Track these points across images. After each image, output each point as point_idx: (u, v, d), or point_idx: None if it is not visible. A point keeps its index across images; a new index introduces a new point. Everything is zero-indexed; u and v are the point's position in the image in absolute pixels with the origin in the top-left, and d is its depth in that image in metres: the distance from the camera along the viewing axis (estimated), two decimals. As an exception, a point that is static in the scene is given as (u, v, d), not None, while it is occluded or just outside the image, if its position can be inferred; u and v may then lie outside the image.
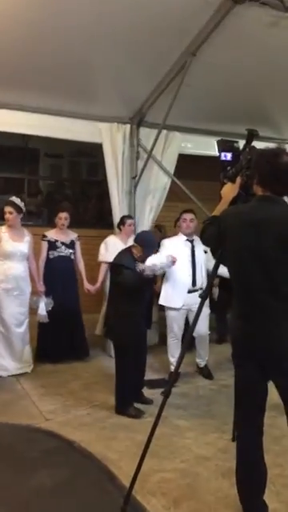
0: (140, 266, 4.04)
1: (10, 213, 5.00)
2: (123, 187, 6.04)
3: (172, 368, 4.94)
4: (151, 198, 6.19)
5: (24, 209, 5.19)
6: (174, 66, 5.09)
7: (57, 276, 5.42)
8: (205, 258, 4.95)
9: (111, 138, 5.97)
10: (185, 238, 5.01)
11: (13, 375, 4.94)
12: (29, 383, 4.80)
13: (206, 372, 5.20)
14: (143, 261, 4.12)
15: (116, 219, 6.02)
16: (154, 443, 3.29)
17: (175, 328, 4.96)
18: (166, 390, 2.86)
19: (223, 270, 5.09)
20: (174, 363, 4.92)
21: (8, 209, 5.01)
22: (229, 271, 2.67)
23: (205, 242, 2.91)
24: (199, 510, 2.82)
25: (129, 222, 5.71)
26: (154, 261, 4.38)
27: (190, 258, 4.93)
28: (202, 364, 5.23)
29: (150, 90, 5.56)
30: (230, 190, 2.85)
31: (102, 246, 5.66)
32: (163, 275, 5.06)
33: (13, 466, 3.26)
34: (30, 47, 4.59)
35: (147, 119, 6.01)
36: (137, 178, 6.07)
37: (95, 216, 8.62)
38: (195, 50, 4.79)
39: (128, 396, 4.18)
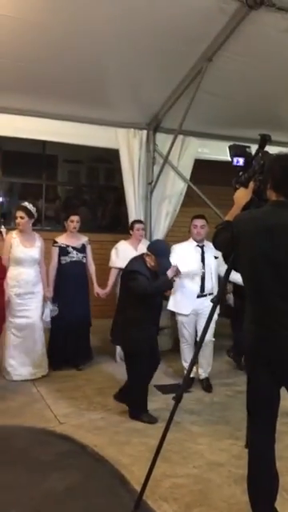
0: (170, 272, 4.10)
1: (22, 217, 4.99)
2: (139, 192, 6.07)
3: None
4: (167, 204, 6.21)
5: (35, 214, 5.15)
6: (190, 71, 5.12)
7: (69, 281, 5.36)
8: (216, 264, 4.90)
9: (128, 144, 6.01)
10: (195, 243, 4.96)
11: (27, 380, 4.95)
12: (44, 387, 4.83)
13: (205, 384, 4.98)
14: (156, 270, 4.07)
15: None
16: (166, 448, 3.30)
17: (186, 334, 4.92)
18: (178, 395, 2.84)
19: (237, 277, 5.09)
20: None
21: (19, 213, 5.00)
22: (242, 276, 2.66)
23: (217, 247, 2.90)
24: (211, 517, 2.80)
25: (137, 226, 5.65)
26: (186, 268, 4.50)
27: (200, 264, 4.87)
28: (203, 375, 5.01)
29: (167, 95, 5.60)
30: (242, 195, 2.84)
31: (113, 252, 5.62)
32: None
33: (27, 468, 3.29)
34: (49, 55, 4.67)
35: (163, 125, 6.04)
36: (153, 183, 6.10)
37: (112, 221, 8.65)
38: (211, 55, 4.81)
39: (142, 402, 4.17)
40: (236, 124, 5.87)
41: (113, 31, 4.44)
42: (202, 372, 5.01)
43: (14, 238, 5.01)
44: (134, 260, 4.22)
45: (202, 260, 4.89)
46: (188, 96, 5.25)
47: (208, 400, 4.70)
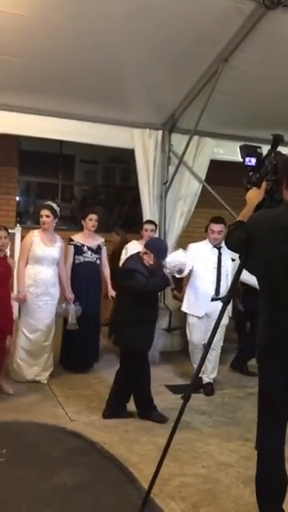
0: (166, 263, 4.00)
1: (47, 216, 4.90)
2: (154, 192, 6.09)
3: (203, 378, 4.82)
4: (182, 204, 6.21)
5: (59, 214, 5.12)
6: (206, 72, 5.13)
7: (82, 282, 5.24)
8: (232, 266, 4.79)
9: (143, 144, 6.04)
10: (211, 245, 4.86)
11: (34, 381, 4.87)
12: (56, 385, 4.86)
13: (208, 389, 4.80)
14: (154, 269, 4.01)
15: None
16: (176, 448, 3.32)
17: (194, 338, 4.82)
18: (186, 394, 2.84)
19: (248, 278, 5.02)
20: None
21: (45, 212, 4.92)
22: (256, 276, 2.65)
23: (230, 247, 2.89)
24: (218, 516, 2.80)
25: (145, 226, 5.55)
26: (176, 257, 4.35)
27: (215, 266, 4.77)
28: (206, 380, 4.83)
29: (182, 96, 5.61)
30: (255, 195, 2.83)
31: (123, 252, 5.53)
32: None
33: (37, 464, 3.32)
34: (66, 56, 4.71)
35: (179, 125, 6.06)
36: (168, 183, 6.11)
37: (127, 221, 8.69)
38: (227, 56, 4.81)
39: (151, 400, 4.15)
40: (252, 125, 5.85)
41: (129, 32, 4.46)
42: (205, 377, 4.85)
43: (35, 236, 4.93)
44: (129, 259, 4.16)
45: (219, 262, 4.79)
46: (204, 96, 5.25)
47: (219, 401, 4.69)
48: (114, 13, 4.21)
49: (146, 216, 6.06)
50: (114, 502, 2.92)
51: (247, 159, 2.87)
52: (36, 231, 5.03)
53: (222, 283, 4.78)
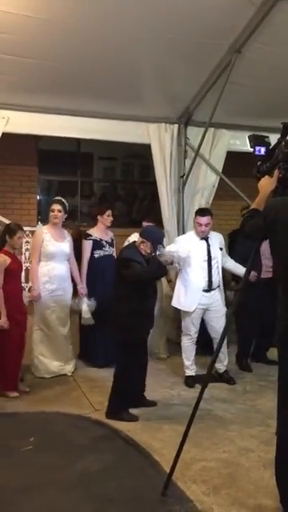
0: (161, 251, 3.87)
1: (59, 211, 4.98)
2: (171, 186, 6.12)
3: (187, 372, 4.80)
4: (200, 197, 6.23)
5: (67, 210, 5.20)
6: (220, 64, 5.14)
7: (104, 275, 5.24)
8: (221, 256, 4.78)
9: (159, 138, 6.07)
10: (199, 237, 4.79)
11: (56, 376, 4.93)
12: (80, 376, 4.99)
13: (226, 377, 4.83)
14: (151, 257, 3.96)
15: (165, 218, 6.12)
16: (197, 435, 3.41)
17: (192, 329, 4.76)
18: (204, 381, 2.92)
19: (237, 269, 5.00)
20: (190, 366, 4.78)
21: (57, 207, 4.99)
22: (277, 262, 2.69)
23: (246, 235, 2.92)
24: (238, 498, 2.87)
25: (144, 224, 5.39)
26: (173, 249, 4.29)
27: (205, 258, 4.70)
28: (222, 369, 4.85)
29: (197, 89, 5.63)
30: (267, 184, 2.87)
31: (125, 244, 5.54)
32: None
33: (63, 451, 3.45)
34: (81, 55, 4.79)
35: (194, 118, 6.08)
36: (185, 176, 6.14)
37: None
38: (240, 47, 4.82)
39: (126, 398, 4.04)
40: (267, 114, 5.82)
41: (141, 27, 4.50)
42: (221, 366, 4.85)
43: (45, 233, 4.98)
44: (126, 248, 4.11)
45: (209, 254, 4.74)
46: (218, 88, 5.26)
47: (241, 389, 4.74)
48: (127, 10, 4.28)
49: (165, 210, 6.11)
50: (137, 485, 3.01)
51: (257, 149, 2.92)
52: (44, 228, 5.10)
53: (213, 275, 4.73)
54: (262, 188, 2.90)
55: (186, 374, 4.83)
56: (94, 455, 3.37)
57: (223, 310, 4.81)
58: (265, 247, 4.96)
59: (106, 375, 4.98)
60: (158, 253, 3.83)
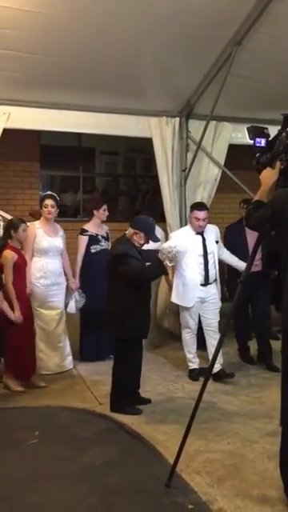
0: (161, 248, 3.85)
1: (52, 206, 4.97)
2: (174, 180, 6.12)
3: (190, 365, 4.80)
4: (202, 190, 6.22)
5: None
6: (220, 56, 5.12)
7: (101, 270, 5.03)
8: (217, 249, 4.78)
9: (161, 132, 6.07)
10: (194, 232, 4.76)
11: (55, 373, 4.91)
12: (83, 370, 5.02)
13: (223, 375, 4.65)
14: (147, 251, 3.97)
15: (167, 212, 6.13)
16: (202, 427, 3.42)
17: (191, 323, 4.75)
18: (207, 372, 2.93)
19: (231, 260, 5.00)
20: (192, 359, 4.79)
21: (50, 202, 4.97)
22: (283, 252, 2.70)
23: (251, 226, 2.93)
24: (242, 489, 2.88)
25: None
26: (171, 244, 4.12)
27: (201, 252, 4.68)
28: (218, 368, 4.60)
29: (198, 81, 5.62)
30: (270, 175, 2.88)
31: None
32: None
33: (68, 444, 3.48)
34: (81, 50, 4.78)
35: (196, 111, 6.06)
36: (187, 170, 6.14)
37: (150, 210, 8.75)
38: (240, 39, 4.81)
39: (127, 394, 4.03)
40: (268, 106, 5.79)
41: (142, 20, 4.49)
42: (217, 364, 4.60)
43: (37, 228, 4.97)
44: (118, 243, 3.98)
45: (204, 248, 4.71)
46: (219, 81, 5.25)
47: (245, 382, 4.75)
48: (128, 4, 4.27)
49: (167, 204, 6.12)
50: (142, 477, 3.03)
51: (257, 140, 2.92)
52: (37, 223, 5.07)
53: (209, 269, 4.71)
54: (264, 180, 2.91)
55: (190, 368, 4.85)
56: (98, 448, 3.39)
57: (218, 303, 4.83)
58: (253, 239, 5.00)
59: (109, 367, 4.91)
60: (159, 252, 3.82)
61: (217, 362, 4.61)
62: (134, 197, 9.24)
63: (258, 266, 5.03)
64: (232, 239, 5.34)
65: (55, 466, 3.17)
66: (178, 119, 6.09)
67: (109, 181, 9.54)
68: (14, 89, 5.37)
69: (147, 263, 3.99)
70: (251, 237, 5.15)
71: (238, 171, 6.21)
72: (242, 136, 6.40)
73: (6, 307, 4.36)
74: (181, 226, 6.11)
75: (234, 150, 6.36)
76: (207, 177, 6.20)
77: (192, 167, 6.12)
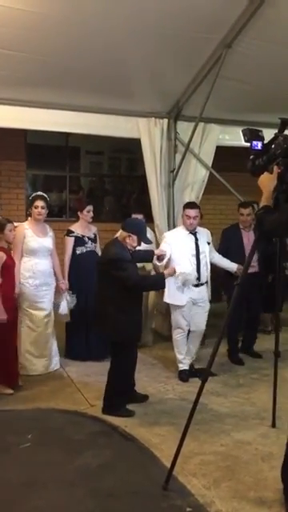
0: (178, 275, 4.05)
1: (43, 207, 4.94)
2: (162, 181, 6.13)
3: (180, 366, 4.82)
4: (190, 191, 6.24)
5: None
6: (210, 58, 5.14)
7: (87, 271, 5.18)
8: (208, 250, 4.83)
9: (149, 133, 6.07)
10: (187, 231, 4.79)
11: (44, 374, 4.88)
12: (73, 372, 4.98)
13: (199, 371, 4.71)
14: (135, 250, 3.97)
15: (155, 213, 6.13)
16: (194, 428, 3.42)
17: (183, 323, 4.76)
18: (204, 376, 2.94)
19: (222, 262, 5.07)
20: (183, 361, 4.81)
21: (41, 203, 4.94)
22: None
23: (267, 232, 2.89)
24: (239, 491, 2.90)
25: (133, 216, 5.36)
26: (164, 248, 4.42)
27: (194, 252, 4.72)
28: (188, 363, 4.86)
29: (187, 83, 5.63)
30: (269, 180, 2.86)
31: None
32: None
33: (61, 447, 3.45)
34: (70, 49, 4.75)
35: (184, 113, 6.08)
36: (175, 171, 6.15)
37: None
38: (230, 41, 4.83)
39: (122, 395, 4.04)
40: (256, 109, 5.87)
41: (131, 22, 4.47)
42: (190, 359, 4.89)
43: (26, 228, 4.93)
44: (113, 246, 3.94)
45: (197, 248, 4.75)
46: (208, 83, 5.27)
47: (234, 383, 4.78)
48: (118, 5, 4.25)
49: (155, 205, 6.12)
50: (138, 480, 3.03)
51: (254, 143, 2.92)
52: (26, 223, 5.04)
53: (201, 269, 4.76)
54: (263, 185, 2.89)
55: (180, 369, 4.86)
56: (92, 451, 3.37)
57: (207, 305, 4.88)
58: (249, 242, 5.07)
59: (99, 370, 4.96)
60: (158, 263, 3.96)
61: (190, 357, 4.85)
62: (120, 197, 9.23)
63: (254, 267, 5.11)
64: (228, 241, 5.42)
65: (50, 470, 3.14)
66: (166, 120, 6.11)
67: (94, 181, 9.50)
68: (1, 87, 5.30)
69: (141, 263, 3.99)
70: (247, 239, 5.22)
71: (225, 173, 6.25)
72: (229, 138, 6.48)
73: None
74: (168, 227, 6.14)
75: (221, 152, 6.41)
76: (195, 178, 6.23)
77: (180, 168, 6.14)
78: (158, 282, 4.15)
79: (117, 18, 4.41)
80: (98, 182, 9.49)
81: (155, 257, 4.33)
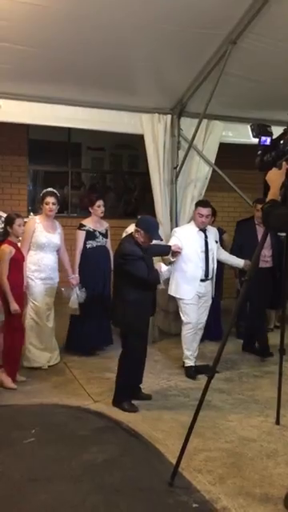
0: (161, 268, 4.11)
1: (54, 203, 5.01)
2: (164, 177, 6.12)
3: (187, 362, 4.83)
4: (192, 188, 6.23)
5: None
6: (215, 54, 5.13)
7: (97, 266, 5.35)
8: (216, 248, 4.91)
9: (152, 129, 6.05)
10: (198, 228, 4.85)
11: (43, 368, 4.91)
12: (76, 368, 4.97)
13: (200, 368, 4.78)
14: (146, 246, 4.03)
15: (158, 209, 6.12)
16: (198, 425, 3.40)
17: (193, 318, 4.79)
18: (211, 371, 2.93)
19: (229, 259, 5.12)
20: (190, 357, 4.81)
21: (52, 199, 5.00)
22: None
23: (274, 226, 2.90)
24: (244, 487, 2.90)
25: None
26: (173, 242, 4.62)
27: (203, 249, 4.80)
28: (193, 362, 4.85)
29: (191, 79, 5.62)
30: (278, 176, 2.85)
31: (123, 235, 5.33)
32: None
33: (66, 443, 3.44)
34: (72, 43, 4.73)
35: (188, 109, 6.06)
36: (178, 168, 6.14)
37: (137, 207, 8.72)
38: (235, 38, 4.81)
39: (128, 388, 4.08)
40: (260, 106, 5.87)
41: (136, 16, 4.46)
42: (191, 356, 4.87)
43: (37, 223, 4.99)
44: (125, 242, 4.08)
45: (206, 245, 4.83)
46: (212, 79, 5.26)
47: (237, 380, 4.78)
48: (123, 1, 4.23)
49: (158, 201, 6.11)
50: (143, 476, 3.02)
51: (262, 139, 2.90)
52: (37, 218, 5.11)
53: (209, 266, 4.84)
54: (271, 180, 2.87)
55: (186, 365, 4.85)
56: (97, 446, 3.37)
57: (210, 300, 4.97)
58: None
59: (102, 367, 5.01)
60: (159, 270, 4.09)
61: (192, 355, 4.85)
62: (122, 193, 9.21)
63: (268, 262, 5.25)
64: (242, 236, 5.46)
65: (55, 465, 3.13)
66: (169, 116, 6.09)
67: (95, 177, 9.48)
68: (5, 81, 5.28)
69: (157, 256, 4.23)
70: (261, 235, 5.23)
71: (227, 170, 6.24)
72: (232, 135, 6.48)
73: None
74: (171, 223, 6.14)
75: (224, 149, 6.40)
76: (198, 175, 6.22)
77: (183, 165, 6.12)
78: (157, 277, 4.12)
79: (121, 13, 4.39)
80: (99, 178, 9.46)
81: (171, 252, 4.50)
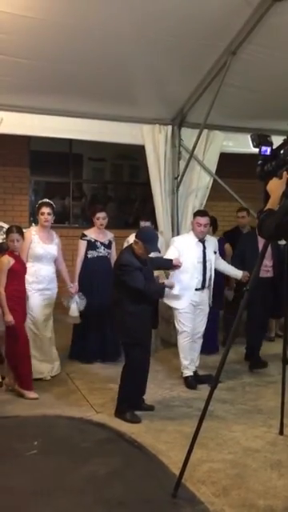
0: (165, 282, 4.20)
1: (49, 214, 4.98)
2: (166, 188, 6.15)
3: (185, 372, 4.81)
4: (193, 198, 6.26)
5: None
6: (215, 65, 5.18)
7: (95, 276, 5.36)
8: (214, 258, 4.91)
9: (153, 140, 6.10)
10: (197, 238, 4.85)
11: (45, 379, 4.88)
12: (78, 379, 4.95)
13: (203, 378, 4.78)
14: (145, 257, 4.05)
15: (159, 219, 6.13)
16: (201, 435, 3.37)
17: (188, 327, 4.78)
18: (214, 381, 2.92)
19: (227, 269, 5.13)
20: (188, 366, 4.80)
21: (47, 210, 4.98)
22: None
23: (271, 236, 2.86)
24: (248, 499, 2.87)
25: (141, 223, 5.56)
26: (171, 252, 4.66)
27: (200, 260, 4.80)
28: (192, 370, 4.86)
29: (191, 90, 5.67)
30: (278, 186, 2.85)
31: (125, 245, 5.35)
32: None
33: (68, 455, 3.41)
34: (72, 55, 4.78)
35: (188, 119, 6.12)
36: (179, 178, 6.16)
37: (138, 217, 8.74)
38: (235, 48, 4.86)
39: (131, 399, 4.07)
40: (260, 116, 5.91)
41: (137, 28, 4.51)
42: (193, 365, 4.88)
43: (33, 234, 4.98)
44: (124, 252, 4.11)
45: (204, 256, 4.83)
46: (213, 90, 5.30)
47: (240, 390, 4.76)
48: (123, 11, 4.28)
49: (159, 211, 6.13)
50: (147, 488, 3.00)
51: (263, 149, 2.91)
52: (33, 229, 5.11)
53: (206, 276, 4.84)
54: (272, 190, 2.86)
55: (185, 375, 4.83)
56: (100, 458, 3.34)
57: (207, 309, 4.95)
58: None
59: (104, 378, 4.99)
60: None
61: (190, 364, 4.83)
62: (123, 204, 9.23)
63: (269, 272, 5.26)
64: (244, 246, 5.45)
65: (57, 478, 3.11)
66: (170, 127, 6.14)
67: (96, 187, 9.50)
68: (5, 94, 5.32)
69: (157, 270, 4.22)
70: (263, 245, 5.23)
71: (228, 179, 6.26)
72: (233, 144, 6.51)
73: None
74: (173, 233, 6.15)
75: (225, 159, 6.42)
76: (199, 185, 6.25)
77: (184, 175, 6.15)
78: (158, 291, 4.29)
79: (122, 25, 4.44)
80: (100, 188, 9.49)
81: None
